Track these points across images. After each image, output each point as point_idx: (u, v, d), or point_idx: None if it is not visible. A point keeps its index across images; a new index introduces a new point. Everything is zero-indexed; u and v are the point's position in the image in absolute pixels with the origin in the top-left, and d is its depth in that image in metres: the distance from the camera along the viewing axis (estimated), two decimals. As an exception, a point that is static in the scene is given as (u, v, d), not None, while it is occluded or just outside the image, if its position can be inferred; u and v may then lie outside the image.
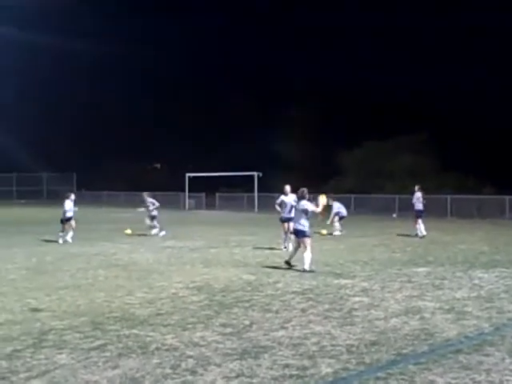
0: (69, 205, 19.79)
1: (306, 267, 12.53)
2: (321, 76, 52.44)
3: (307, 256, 12.60)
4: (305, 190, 13.20)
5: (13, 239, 20.71)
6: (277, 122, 50.99)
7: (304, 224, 12.81)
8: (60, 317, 8.57)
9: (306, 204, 12.95)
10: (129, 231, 22.16)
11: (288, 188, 17.51)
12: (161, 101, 61.05)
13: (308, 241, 12.76)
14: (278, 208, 17.51)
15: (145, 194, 22.97)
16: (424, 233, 20.77)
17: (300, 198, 13.26)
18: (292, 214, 17.63)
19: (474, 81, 45.21)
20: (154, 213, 22.27)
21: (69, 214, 19.72)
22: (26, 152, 51.47)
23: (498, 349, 6.74)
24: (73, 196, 20.41)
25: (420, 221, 21.04)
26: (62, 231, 19.56)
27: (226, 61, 60.08)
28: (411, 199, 21.93)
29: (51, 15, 55.38)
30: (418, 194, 21.53)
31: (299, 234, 12.93)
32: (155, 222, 22.22)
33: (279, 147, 51.43)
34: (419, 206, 21.33)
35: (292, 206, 17.54)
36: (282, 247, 17.12)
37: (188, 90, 59.58)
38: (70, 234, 19.64)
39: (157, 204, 22.33)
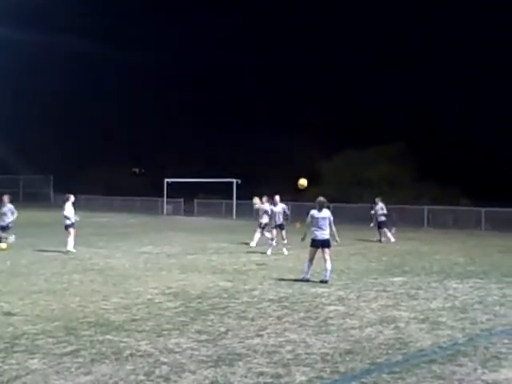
0: (70, 209, 17.82)
1: (328, 277, 12.27)
2: (299, 84, 52.74)
3: (330, 265, 12.36)
4: (324, 199, 12.81)
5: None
6: (255, 129, 51.14)
7: (328, 233, 12.50)
8: (33, 321, 8.48)
9: (328, 212, 12.59)
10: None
11: (278, 198, 18.58)
12: (141, 105, 60.83)
13: (329, 251, 12.52)
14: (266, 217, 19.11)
15: (5, 198, 18.85)
16: (391, 239, 22.32)
17: (321, 207, 12.57)
18: (281, 221, 18.25)
19: (453, 92, 45.75)
20: (9, 221, 18.46)
21: (70, 221, 17.69)
22: (3, 153, 50.84)
23: (471, 359, 6.80)
24: (73, 198, 18.31)
25: (385, 230, 22.73)
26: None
27: (203, 67, 60.15)
28: (376, 211, 23.32)
29: (32, 10, 54.70)
30: (381, 205, 23.16)
31: (325, 243, 12.42)
32: (5, 234, 18.44)
33: (258, 154, 51.57)
34: (381, 217, 22.90)
35: (280, 214, 18.31)
36: (268, 252, 17.74)
37: (169, 93, 59.44)
38: (71, 242, 17.57)
39: (16, 214, 18.55)
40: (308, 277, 12.38)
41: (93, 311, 9.22)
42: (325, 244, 12.43)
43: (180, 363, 6.55)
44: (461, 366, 6.56)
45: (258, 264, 15.41)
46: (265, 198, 20.10)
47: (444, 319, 8.91)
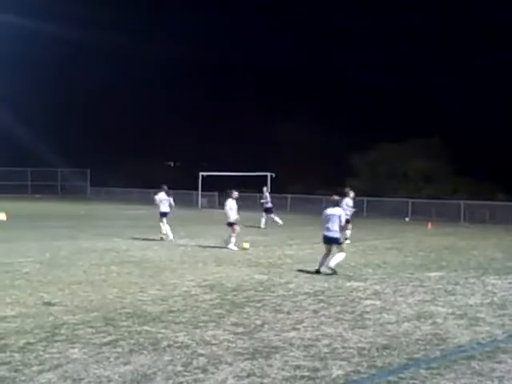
0: (233, 205, 17.38)
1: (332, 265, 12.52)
2: (334, 77, 52.41)
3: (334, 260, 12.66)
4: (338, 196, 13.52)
5: (27, 233, 20.85)
6: (290, 122, 50.97)
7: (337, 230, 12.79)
8: (72, 311, 8.63)
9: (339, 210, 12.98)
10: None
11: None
12: (176, 98, 61.09)
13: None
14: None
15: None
16: (280, 222, 25.88)
17: (335, 204, 13.07)
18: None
19: (490, 87, 44.96)
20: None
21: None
22: (42, 147, 51.68)
23: (511, 356, 6.69)
24: (236, 194, 17.86)
25: (272, 215, 26.07)
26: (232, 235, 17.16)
27: (237, 59, 60.06)
28: (261, 200, 27.07)
29: (75, 8, 55.23)
30: (267, 195, 26.56)
31: (333, 240, 12.74)
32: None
33: (292, 147, 51.47)
34: (268, 204, 26.28)
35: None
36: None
37: (203, 87, 59.61)
38: (233, 240, 17.13)
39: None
40: (318, 268, 12.67)
41: (130, 302, 9.34)
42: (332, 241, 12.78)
43: (217, 355, 6.60)
44: (500, 362, 6.47)
45: (292, 258, 15.42)
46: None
47: (483, 315, 8.80)
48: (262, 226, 25.32)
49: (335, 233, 12.66)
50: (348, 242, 18.26)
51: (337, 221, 12.64)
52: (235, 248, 16.92)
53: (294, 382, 5.79)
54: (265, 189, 27.74)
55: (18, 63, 56.55)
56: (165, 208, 19.31)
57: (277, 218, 26.13)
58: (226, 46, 61.25)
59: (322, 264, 12.65)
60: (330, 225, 12.65)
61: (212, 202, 44.60)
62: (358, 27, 53.11)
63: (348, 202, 19.14)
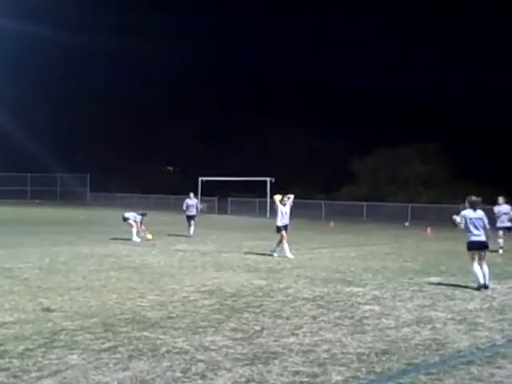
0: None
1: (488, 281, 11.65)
2: (334, 82, 52.58)
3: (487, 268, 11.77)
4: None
5: (26, 239, 20.84)
6: (289, 127, 51.05)
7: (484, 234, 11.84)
8: (72, 317, 8.61)
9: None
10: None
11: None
12: (175, 103, 61.21)
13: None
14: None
15: None
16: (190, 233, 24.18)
17: (473, 207, 11.99)
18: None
19: (488, 90, 45.09)
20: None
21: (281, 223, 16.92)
22: (41, 152, 51.71)
23: (511, 361, 6.68)
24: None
25: (192, 222, 24.49)
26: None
27: (237, 62, 60.31)
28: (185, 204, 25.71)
29: (75, 12, 55.42)
30: (196, 200, 26.01)
31: (484, 245, 11.84)
32: None
33: (292, 152, 51.57)
34: (193, 211, 25.07)
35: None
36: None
37: (202, 91, 59.72)
38: (286, 246, 16.79)
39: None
40: (482, 282, 11.58)
41: (129, 308, 9.33)
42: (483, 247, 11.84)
43: (216, 361, 6.59)
44: (500, 368, 6.45)
45: (292, 263, 15.41)
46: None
47: (482, 320, 8.79)
48: (191, 234, 23.96)
49: (483, 236, 11.75)
50: (501, 251, 18.63)
51: (481, 224, 11.75)
52: (291, 256, 16.57)
53: (292, 388, 5.78)
54: (192, 194, 26.02)
55: (18, 67, 56.73)
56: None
57: (192, 229, 24.56)
58: (226, 48, 61.52)
59: (484, 275, 11.60)
60: (476, 229, 11.74)
61: (211, 208, 44.60)
62: (357, 31, 53.38)
63: (500, 209, 20.11)
